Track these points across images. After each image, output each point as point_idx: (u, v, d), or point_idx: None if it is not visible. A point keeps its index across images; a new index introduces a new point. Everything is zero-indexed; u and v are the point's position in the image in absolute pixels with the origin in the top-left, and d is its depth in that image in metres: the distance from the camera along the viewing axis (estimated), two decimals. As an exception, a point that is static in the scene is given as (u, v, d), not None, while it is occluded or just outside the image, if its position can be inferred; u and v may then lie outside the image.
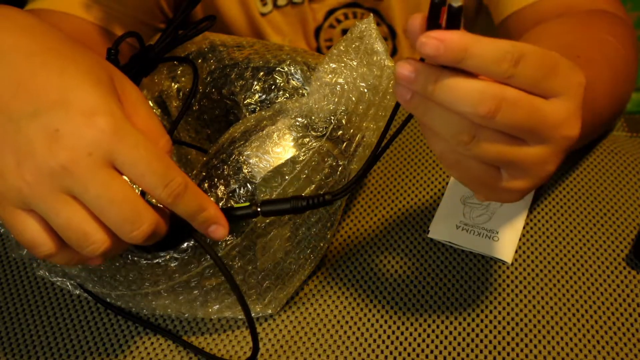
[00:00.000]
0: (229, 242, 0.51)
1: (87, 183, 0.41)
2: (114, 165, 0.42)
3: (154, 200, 0.45)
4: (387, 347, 0.57)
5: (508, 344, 0.56)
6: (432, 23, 0.39)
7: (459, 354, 0.56)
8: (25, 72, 0.42)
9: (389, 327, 0.58)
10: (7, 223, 0.43)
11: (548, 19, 0.67)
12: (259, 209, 0.46)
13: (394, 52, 0.83)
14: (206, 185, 0.51)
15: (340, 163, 0.54)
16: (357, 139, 0.54)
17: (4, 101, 0.42)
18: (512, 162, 0.43)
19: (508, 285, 0.60)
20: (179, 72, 0.62)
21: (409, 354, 0.56)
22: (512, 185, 0.45)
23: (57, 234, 0.43)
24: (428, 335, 0.57)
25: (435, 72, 0.40)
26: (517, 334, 0.57)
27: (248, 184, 0.51)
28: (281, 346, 0.57)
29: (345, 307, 0.59)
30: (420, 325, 0.58)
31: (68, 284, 0.58)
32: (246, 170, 0.51)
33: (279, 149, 0.51)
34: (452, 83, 0.40)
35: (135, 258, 0.50)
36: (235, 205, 0.46)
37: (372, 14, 0.56)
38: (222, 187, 0.51)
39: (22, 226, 0.42)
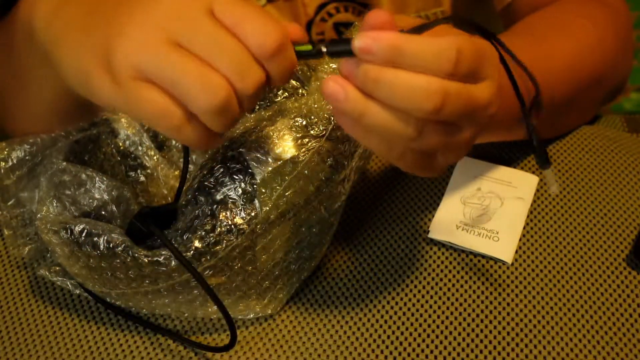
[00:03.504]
0: (229, 243, 0.51)
1: (195, 27, 0.40)
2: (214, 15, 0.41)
3: None
4: (387, 347, 0.57)
5: (508, 344, 0.56)
6: None
7: (458, 354, 0.56)
8: None
9: (389, 327, 0.58)
10: (131, 99, 0.42)
11: (544, 5, 0.70)
12: (323, 49, 0.43)
13: None
14: (206, 186, 0.51)
15: (340, 163, 0.54)
16: (356, 139, 0.54)
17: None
18: (449, 146, 0.45)
19: (508, 286, 0.60)
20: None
21: (408, 354, 0.56)
22: (444, 163, 0.47)
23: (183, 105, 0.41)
24: (428, 335, 0.57)
25: (375, 68, 0.40)
26: (517, 334, 0.57)
27: (248, 185, 0.51)
28: (281, 346, 0.57)
29: (345, 307, 0.59)
30: (420, 325, 0.58)
31: (68, 283, 0.59)
32: (246, 171, 0.51)
33: (279, 150, 0.51)
34: (393, 79, 0.40)
35: (136, 255, 0.50)
36: (297, 48, 0.43)
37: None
38: (221, 189, 0.51)
39: (147, 96, 0.41)
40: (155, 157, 0.62)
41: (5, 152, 0.58)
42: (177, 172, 0.63)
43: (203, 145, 0.44)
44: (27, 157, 0.58)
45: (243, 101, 0.42)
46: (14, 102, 0.62)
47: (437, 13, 0.79)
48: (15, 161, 0.58)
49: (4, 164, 0.58)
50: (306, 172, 0.52)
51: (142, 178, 0.62)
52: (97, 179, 0.55)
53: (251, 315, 0.58)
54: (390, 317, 0.58)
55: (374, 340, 0.57)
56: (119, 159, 0.61)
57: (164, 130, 0.42)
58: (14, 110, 0.63)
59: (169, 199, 0.62)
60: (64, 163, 0.55)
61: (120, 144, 0.61)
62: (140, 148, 0.61)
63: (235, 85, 0.41)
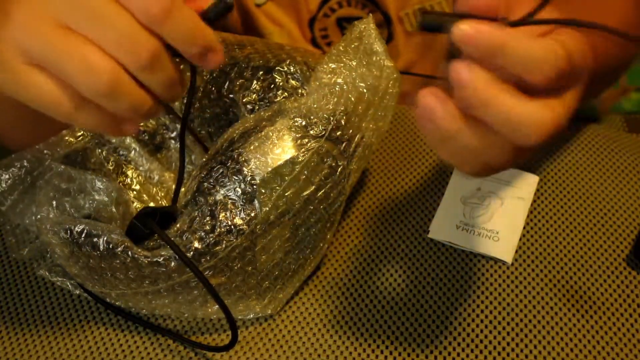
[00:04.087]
0: (229, 244, 0.51)
1: (78, 4, 0.38)
2: None
3: None
4: (386, 347, 0.57)
5: (508, 344, 0.56)
6: None
7: (458, 354, 0.56)
8: None
9: (389, 327, 0.58)
10: (21, 85, 0.40)
11: None
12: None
13: (389, 39, 0.82)
14: (205, 186, 0.51)
15: (340, 163, 0.54)
16: (356, 139, 0.54)
17: None
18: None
19: (508, 286, 0.60)
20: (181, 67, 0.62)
21: (408, 354, 0.56)
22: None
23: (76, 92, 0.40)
24: (428, 336, 0.57)
25: (487, 89, 0.37)
26: (517, 334, 0.57)
27: (247, 186, 0.51)
28: (281, 346, 0.57)
29: (345, 308, 0.59)
30: (420, 325, 0.58)
31: (68, 284, 0.59)
32: (245, 172, 0.51)
33: (278, 150, 0.51)
34: (524, 43, 0.37)
35: (136, 255, 0.50)
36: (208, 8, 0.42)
37: (371, 15, 0.56)
38: (221, 189, 0.51)
39: (36, 81, 0.40)
40: (147, 164, 0.62)
41: None
42: (175, 174, 0.63)
43: (112, 131, 0.42)
44: (16, 181, 0.57)
45: (140, 76, 0.40)
46: None
47: (441, 2, 0.79)
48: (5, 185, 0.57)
49: None
50: (306, 172, 0.52)
51: (136, 185, 0.62)
52: (95, 180, 0.55)
53: (251, 316, 0.58)
54: (390, 317, 0.58)
55: (374, 341, 0.57)
56: (110, 167, 0.61)
57: (57, 117, 0.41)
58: None
59: (166, 202, 0.62)
60: (62, 166, 0.55)
61: (111, 158, 0.61)
62: (132, 154, 0.62)
63: (123, 60, 0.39)
